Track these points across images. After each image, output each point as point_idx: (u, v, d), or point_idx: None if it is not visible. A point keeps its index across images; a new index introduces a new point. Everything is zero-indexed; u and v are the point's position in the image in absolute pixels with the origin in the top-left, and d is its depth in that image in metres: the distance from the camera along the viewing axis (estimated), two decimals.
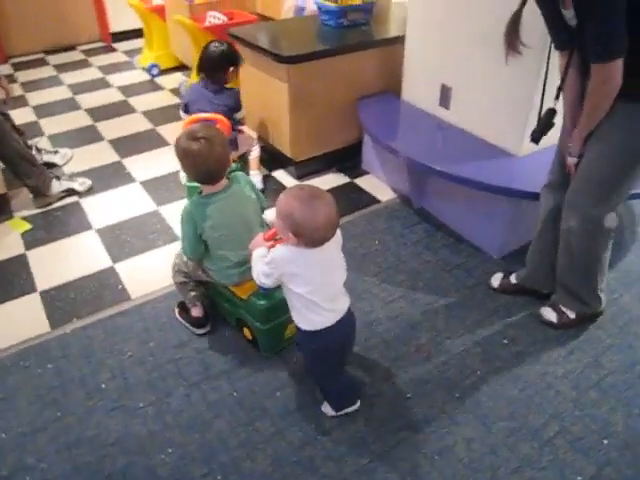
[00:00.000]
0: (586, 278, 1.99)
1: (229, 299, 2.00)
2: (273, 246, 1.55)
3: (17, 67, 4.95)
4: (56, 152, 3.22)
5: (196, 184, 1.86)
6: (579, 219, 1.83)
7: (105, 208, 2.88)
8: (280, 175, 3.15)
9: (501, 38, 1.73)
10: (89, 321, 2.16)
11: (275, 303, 1.85)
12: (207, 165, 1.72)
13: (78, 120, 3.87)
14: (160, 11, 4.38)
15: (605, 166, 1.74)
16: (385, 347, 2.05)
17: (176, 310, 2.16)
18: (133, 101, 4.17)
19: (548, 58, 1.84)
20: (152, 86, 4.44)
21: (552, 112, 1.82)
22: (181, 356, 2.01)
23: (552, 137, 1.90)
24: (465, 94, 2.59)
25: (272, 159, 3.18)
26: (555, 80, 1.80)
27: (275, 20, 3.85)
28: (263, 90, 2.95)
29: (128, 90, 4.36)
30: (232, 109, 2.77)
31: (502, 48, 1.74)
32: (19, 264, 2.49)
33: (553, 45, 1.75)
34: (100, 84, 4.50)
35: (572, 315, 2.07)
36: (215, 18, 3.91)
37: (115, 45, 5.43)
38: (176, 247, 2.34)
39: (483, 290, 2.29)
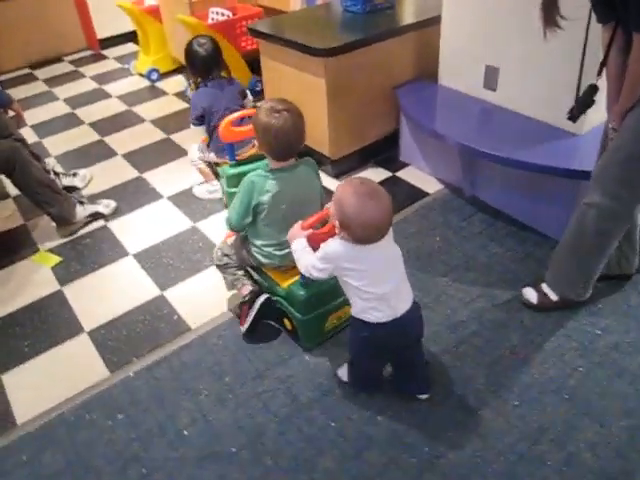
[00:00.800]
0: (587, 262, 1.88)
1: (270, 288, 1.97)
2: (317, 237, 1.58)
3: (5, 85, 4.66)
4: (75, 174, 3.00)
5: (234, 189, 1.89)
6: (602, 195, 1.71)
7: (137, 230, 2.68)
8: None
9: None
10: (151, 360, 1.98)
11: (315, 294, 1.83)
12: (288, 138, 1.71)
13: (84, 136, 3.63)
14: (155, 12, 4.14)
15: (631, 141, 1.60)
16: (477, 352, 1.91)
17: (241, 328, 2.00)
18: (138, 110, 3.94)
19: (587, 32, 1.68)
20: (155, 92, 4.21)
21: (593, 88, 1.70)
22: (264, 389, 1.84)
23: None
24: (514, 74, 2.44)
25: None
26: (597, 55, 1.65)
27: (284, 12, 3.63)
28: (294, 88, 2.75)
29: (130, 99, 4.13)
30: (243, 94, 2.67)
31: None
32: (57, 302, 2.29)
33: (596, 18, 1.59)
34: (98, 95, 4.26)
35: (554, 297, 1.99)
36: (218, 14, 3.69)
37: (105, 52, 5.15)
38: None
39: None
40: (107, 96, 4.21)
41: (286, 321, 1.97)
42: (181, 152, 3.28)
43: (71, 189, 2.89)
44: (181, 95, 4.08)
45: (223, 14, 3.65)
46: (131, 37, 5.21)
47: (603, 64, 1.64)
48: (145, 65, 4.31)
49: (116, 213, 2.81)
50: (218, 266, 2.06)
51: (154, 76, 4.30)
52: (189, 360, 1.96)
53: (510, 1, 2.25)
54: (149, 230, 2.66)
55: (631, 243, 1.99)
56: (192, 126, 2.69)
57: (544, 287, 2.02)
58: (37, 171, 2.54)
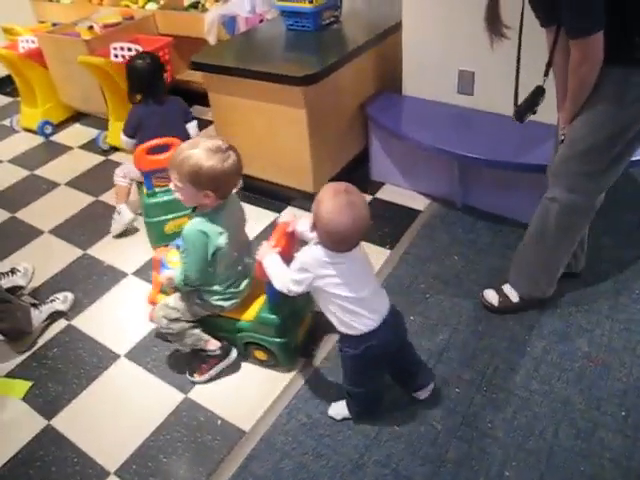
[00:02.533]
0: (552, 258, 1.92)
1: (229, 328, 1.88)
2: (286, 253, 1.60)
3: None
4: (13, 270, 2.38)
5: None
6: (563, 189, 1.74)
7: (112, 322, 2.22)
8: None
9: None
10: None
11: (287, 313, 1.82)
12: (235, 179, 1.68)
13: None
14: (36, 56, 3.53)
15: (588, 134, 1.63)
16: (557, 369, 1.84)
17: (197, 376, 1.91)
18: (45, 173, 3.33)
19: (520, 34, 1.69)
20: (55, 148, 3.59)
21: (540, 90, 1.70)
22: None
23: None
24: (491, 76, 2.37)
25: (275, 198, 2.72)
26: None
27: (199, 39, 3.26)
28: (261, 123, 2.45)
29: (28, 161, 3.48)
30: (184, 116, 2.60)
31: None
32: (52, 444, 1.79)
33: (539, 22, 1.60)
34: None
35: (515, 299, 2.02)
36: (123, 50, 3.22)
37: None
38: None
39: (593, 273, 2.14)
40: None
41: (256, 352, 1.91)
42: None
43: (14, 290, 2.32)
44: (90, 146, 3.52)
45: (130, 49, 3.19)
46: None
47: (549, 65, 1.64)
48: (33, 118, 3.68)
49: (75, 306, 2.30)
50: (170, 335, 1.86)
51: (48, 130, 3.69)
52: (264, 472, 1.62)
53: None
54: (128, 319, 2.22)
55: (580, 241, 2.00)
56: (122, 136, 2.60)
57: (505, 288, 2.03)
58: None
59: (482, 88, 2.45)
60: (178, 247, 1.86)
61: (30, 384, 1.99)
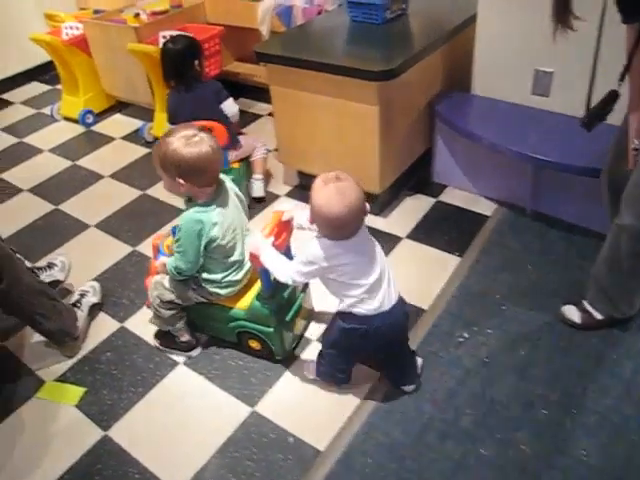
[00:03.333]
0: (627, 282, 1.79)
1: (223, 317, 1.87)
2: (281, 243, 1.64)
3: None
4: (50, 265, 2.31)
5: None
6: (634, 216, 1.61)
7: None
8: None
9: None
10: None
11: (281, 301, 1.82)
12: (212, 167, 1.62)
13: (31, 208, 2.89)
14: (81, 44, 3.44)
15: None
16: None
17: (157, 342, 2.00)
18: (87, 163, 3.25)
19: (600, 30, 1.57)
20: (97, 139, 3.50)
21: (614, 95, 1.58)
22: None
23: None
24: (572, 76, 2.22)
25: None
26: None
27: (253, 29, 3.14)
28: (327, 119, 2.32)
29: (69, 151, 3.40)
30: (217, 97, 2.48)
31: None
32: (112, 456, 1.68)
33: (621, 18, 1.43)
34: (23, 151, 3.45)
35: (599, 316, 1.89)
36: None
37: (5, 96, 4.25)
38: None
39: None
40: (36, 151, 3.43)
41: (251, 342, 1.89)
42: (170, 210, 2.70)
43: (53, 285, 2.23)
44: (133, 137, 3.43)
45: None
46: (33, 75, 4.38)
47: (627, 68, 1.48)
48: (75, 107, 3.59)
49: (128, 307, 2.20)
50: (160, 318, 1.89)
51: (90, 119, 3.60)
52: None
53: None
54: None
55: None
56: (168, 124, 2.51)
57: (586, 305, 1.91)
58: (30, 277, 1.89)
59: (560, 89, 2.31)
60: (174, 233, 1.81)
61: (84, 390, 1.90)
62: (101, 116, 3.70)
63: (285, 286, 1.78)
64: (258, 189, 2.71)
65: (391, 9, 2.47)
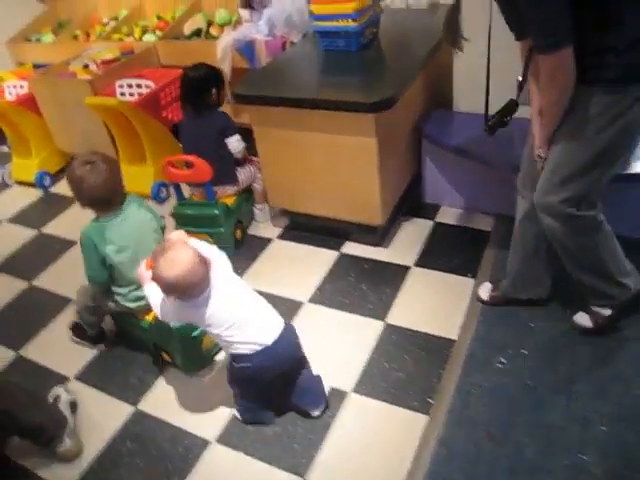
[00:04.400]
0: (598, 271, 1.82)
1: (140, 326, 2.00)
2: None
3: None
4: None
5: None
6: (553, 217, 1.70)
7: (190, 403, 1.97)
8: (353, 249, 2.51)
9: None
10: None
11: None
12: (91, 191, 1.77)
13: (1, 288, 2.66)
14: (29, 102, 3.24)
15: (566, 157, 1.60)
16: None
17: (70, 332, 2.21)
18: (53, 229, 3.04)
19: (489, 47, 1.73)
20: (58, 201, 3.28)
21: (513, 104, 1.71)
22: None
23: None
24: None
25: (331, 234, 2.54)
26: None
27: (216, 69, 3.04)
28: (320, 156, 2.26)
29: (29, 218, 3.19)
30: (222, 131, 2.48)
31: None
32: None
33: (514, 35, 1.58)
34: None
35: (607, 312, 1.91)
36: (132, 87, 2.98)
37: None
38: None
39: None
40: None
41: (164, 354, 2.03)
42: None
43: None
44: None
45: (140, 85, 2.95)
46: None
47: (523, 80, 1.63)
48: (29, 170, 3.38)
49: (140, 387, 2.04)
50: (81, 320, 2.13)
51: (47, 181, 3.39)
52: None
53: None
54: (207, 396, 1.97)
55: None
56: None
57: (592, 307, 1.92)
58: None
59: None
60: None
61: None
62: (57, 176, 3.50)
63: None
64: (264, 215, 2.74)
65: (365, 35, 2.45)
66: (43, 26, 4.00)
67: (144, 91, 2.97)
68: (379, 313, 2.17)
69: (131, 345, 2.17)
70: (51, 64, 3.55)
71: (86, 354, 2.19)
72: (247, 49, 2.95)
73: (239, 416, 1.83)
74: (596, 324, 1.92)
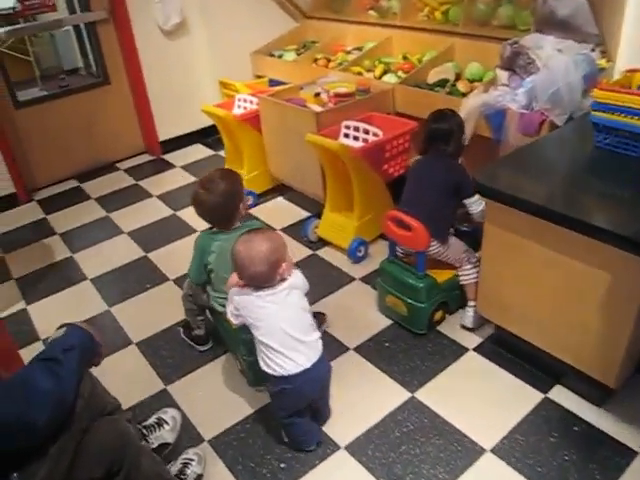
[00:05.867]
0: None
1: (226, 329, 2.12)
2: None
3: (47, 206, 3.75)
4: (159, 423, 1.95)
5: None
6: None
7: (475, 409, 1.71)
8: (565, 398, 2.01)
9: None
10: None
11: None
12: (203, 213, 2.04)
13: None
14: (253, 120, 3.27)
15: None
16: None
17: (181, 330, 2.42)
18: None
19: None
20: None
21: None
22: None
23: None
24: None
25: (541, 369, 2.09)
26: None
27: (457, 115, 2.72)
28: (557, 282, 1.83)
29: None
30: (456, 188, 2.22)
31: None
32: None
33: None
34: (179, 227, 3.32)
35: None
36: (359, 131, 2.81)
37: (167, 157, 4.26)
38: None
39: None
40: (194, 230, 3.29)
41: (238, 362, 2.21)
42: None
43: (160, 449, 1.89)
44: (295, 231, 3.13)
45: (367, 131, 2.76)
46: (195, 138, 4.38)
47: None
48: None
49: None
50: (185, 309, 2.34)
51: (249, 201, 3.38)
52: None
53: None
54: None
55: None
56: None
57: None
58: (149, 462, 1.57)
59: None
60: None
61: None
62: (262, 197, 3.50)
63: None
64: (469, 319, 2.33)
65: None
66: (289, 43, 4.05)
67: (370, 138, 2.77)
68: None
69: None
70: (285, 83, 3.58)
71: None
72: (496, 117, 2.58)
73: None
74: None
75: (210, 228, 2.11)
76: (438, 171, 2.26)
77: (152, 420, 1.95)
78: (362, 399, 2.07)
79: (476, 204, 2.22)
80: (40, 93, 3.72)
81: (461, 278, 2.33)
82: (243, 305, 1.72)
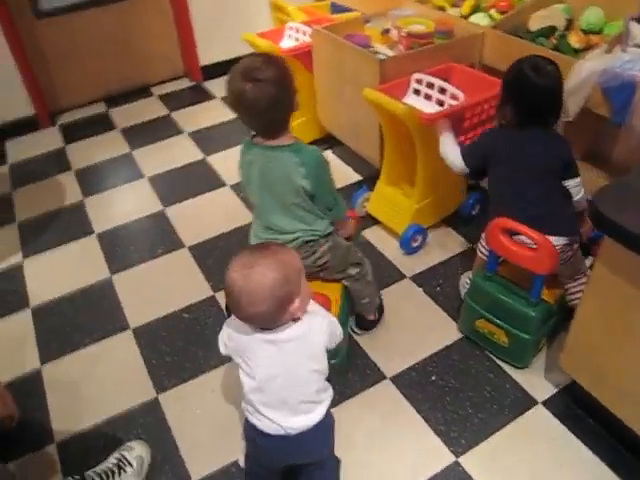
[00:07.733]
0: None
1: None
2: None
3: (68, 134, 3.37)
4: (119, 465, 1.54)
5: None
6: None
7: None
8: None
9: None
10: None
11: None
12: (251, 115, 1.51)
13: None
14: (304, 57, 2.70)
15: None
16: None
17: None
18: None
19: None
20: None
21: None
22: None
23: None
24: None
25: (625, 443, 1.59)
26: None
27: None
28: None
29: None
30: (565, 166, 1.70)
31: None
32: None
33: None
34: (211, 177, 2.89)
35: None
36: (433, 88, 2.22)
37: (207, 84, 3.75)
38: None
39: None
40: None
41: None
42: None
43: None
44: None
45: (444, 91, 2.16)
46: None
47: None
48: None
49: None
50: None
51: None
52: None
53: None
54: None
55: None
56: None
57: None
58: None
59: None
60: None
61: None
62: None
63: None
64: None
65: None
66: None
67: (446, 100, 2.18)
68: None
69: None
70: (351, 10, 2.97)
71: None
72: (620, 92, 1.93)
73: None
74: None
75: (253, 137, 1.61)
76: (538, 147, 1.69)
77: (111, 461, 1.55)
78: (388, 459, 1.63)
79: (580, 186, 1.75)
80: (66, 1, 3.25)
81: (574, 297, 1.82)
82: (236, 343, 1.31)
